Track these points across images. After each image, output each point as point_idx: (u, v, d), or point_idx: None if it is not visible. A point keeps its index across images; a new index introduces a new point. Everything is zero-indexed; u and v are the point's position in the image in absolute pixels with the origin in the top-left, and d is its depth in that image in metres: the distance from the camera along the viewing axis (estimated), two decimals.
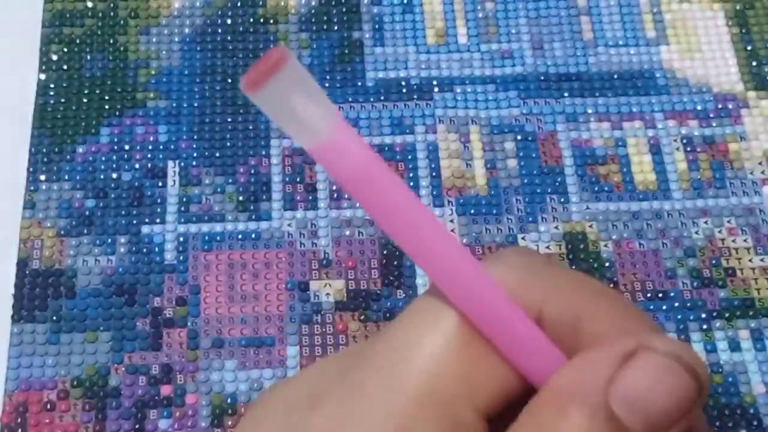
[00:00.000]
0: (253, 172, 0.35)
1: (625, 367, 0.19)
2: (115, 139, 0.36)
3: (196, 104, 0.37)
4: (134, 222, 0.34)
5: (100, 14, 0.39)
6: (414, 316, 0.21)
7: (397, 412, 0.20)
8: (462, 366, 0.20)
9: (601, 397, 0.19)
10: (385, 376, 0.20)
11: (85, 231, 0.34)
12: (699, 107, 0.37)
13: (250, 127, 0.36)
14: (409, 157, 0.36)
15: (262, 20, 0.39)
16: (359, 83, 0.38)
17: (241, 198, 0.35)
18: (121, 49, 0.38)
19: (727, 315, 0.33)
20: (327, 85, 0.37)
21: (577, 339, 0.20)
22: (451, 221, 0.34)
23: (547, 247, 0.34)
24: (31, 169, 0.35)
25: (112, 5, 0.39)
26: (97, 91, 0.37)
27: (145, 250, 0.34)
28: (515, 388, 0.21)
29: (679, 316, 0.33)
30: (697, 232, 0.34)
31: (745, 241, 0.34)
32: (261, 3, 0.40)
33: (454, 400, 0.20)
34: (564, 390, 0.20)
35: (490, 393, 0.21)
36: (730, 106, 0.37)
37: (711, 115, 0.37)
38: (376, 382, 0.20)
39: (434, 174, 0.35)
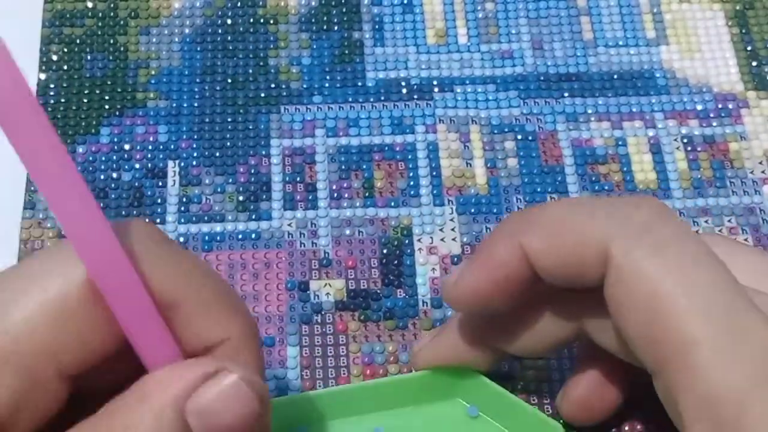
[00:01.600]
0: (253, 172, 0.35)
1: (205, 384, 0.21)
2: (115, 139, 0.36)
3: (196, 104, 0.37)
4: None
5: (100, 14, 0.39)
6: (41, 258, 0.22)
7: None
8: (55, 325, 0.21)
9: (179, 402, 0.21)
10: None
11: None
12: (699, 107, 0.37)
13: (250, 127, 0.36)
14: (410, 156, 0.36)
15: (262, 20, 0.39)
16: (359, 83, 0.38)
17: (241, 198, 0.35)
18: (121, 49, 0.38)
19: None
20: (327, 85, 0.37)
21: (173, 319, 0.22)
22: (452, 220, 0.34)
23: None
24: None
25: (112, 5, 0.39)
26: (97, 91, 0.37)
27: None
28: (110, 354, 0.22)
29: None
30: (697, 231, 0.34)
31: (745, 240, 0.34)
32: (261, 3, 0.40)
33: (38, 357, 0.21)
34: (149, 390, 0.22)
35: (79, 357, 0.22)
36: (730, 106, 0.37)
37: (711, 115, 0.37)
38: None
39: (434, 173, 0.35)
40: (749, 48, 0.39)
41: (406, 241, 0.34)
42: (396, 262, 0.34)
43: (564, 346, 0.28)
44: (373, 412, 0.29)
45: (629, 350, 0.25)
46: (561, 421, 0.29)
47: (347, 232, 0.34)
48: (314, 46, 0.39)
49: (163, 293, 0.22)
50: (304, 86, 0.38)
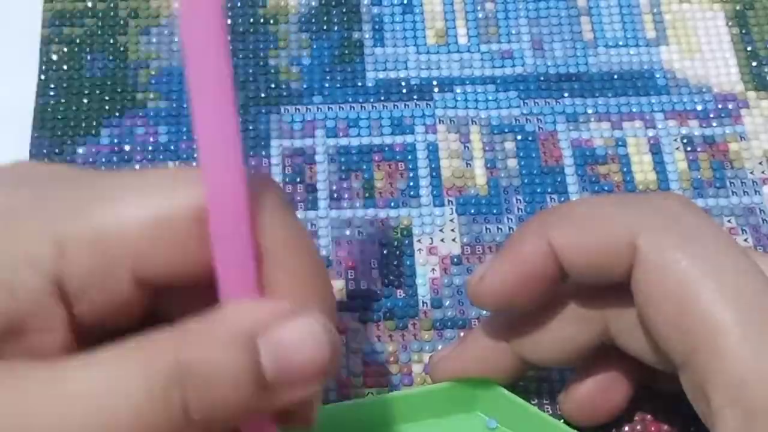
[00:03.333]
0: (253, 172, 0.35)
1: (284, 320, 0.22)
2: (116, 140, 0.36)
3: None
4: None
5: (100, 14, 0.39)
6: (163, 173, 0.23)
7: (61, 231, 0.22)
8: (148, 231, 0.22)
9: (253, 334, 0.21)
10: (75, 202, 0.23)
11: None
12: (699, 107, 0.37)
13: (250, 128, 0.36)
14: (409, 157, 0.36)
15: (262, 20, 0.39)
16: (359, 83, 0.38)
17: None
18: (121, 49, 0.38)
19: None
20: (327, 85, 0.37)
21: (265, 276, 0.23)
22: (452, 221, 0.34)
23: None
24: None
25: (112, 5, 0.39)
26: (97, 92, 0.37)
27: None
28: (188, 280, 0.23)
29: None
30: None
31: (745, 240, 0.34)
32: (261, 3, 0.40)
33: (120, 253, 0.22)
34: (225, 316, 0.22)
35: (159, 269, 0.23)
36: (730, 106, 0.37)
37: (711, 115, 0.37)
38: (64, 200, 0.23)
39: (434, 174, 0.35)
40: (749, 48, 0.39)
41: (406, 242, 0.34)
42: (396, 262, 0.34)
43: (587, 353, 0.27)
44: (392, 425, 0.29)
45: (654, 351, 0.25)
46: (563, 420, 0.29)
47: (347, 232, 0.34)
48: (314, 46, 0.39)
49: (265, 251, 0.23)
50: (304, 86, 0.38)
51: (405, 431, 0.29)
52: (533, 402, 0.31)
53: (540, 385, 0.31)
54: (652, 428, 0.30)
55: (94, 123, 0.37)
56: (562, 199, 0.35)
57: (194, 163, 0.36)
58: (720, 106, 0.37)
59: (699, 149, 0.36)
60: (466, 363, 0.29)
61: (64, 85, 0.37)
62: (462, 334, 0.32)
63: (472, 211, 0.35)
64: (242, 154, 0.21)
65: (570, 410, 0.29)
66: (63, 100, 0.37)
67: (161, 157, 0.36)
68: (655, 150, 0.36)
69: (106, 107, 0.37)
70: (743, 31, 0.39)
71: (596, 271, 0.25)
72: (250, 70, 0.38)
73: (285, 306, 0.22)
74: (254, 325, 0.21)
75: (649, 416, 0.30)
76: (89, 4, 0.39)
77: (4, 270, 0.22)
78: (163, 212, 0.22)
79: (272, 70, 0.38)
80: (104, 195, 0.23)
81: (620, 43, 0.39)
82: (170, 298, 0.24)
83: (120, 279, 0.23)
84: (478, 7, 0.40)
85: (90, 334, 0.23)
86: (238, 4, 0.39)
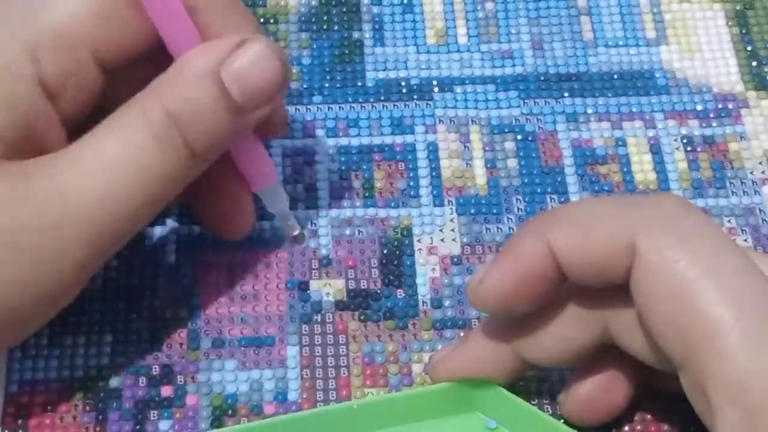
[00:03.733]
0: None
1: (236, 51, 0.27)
2: None
3: None
4: None
5: None
6: None
7: (29, 41, 0.26)
8: (95, 16, 0.26)
9: (215, 69, 0.26)
10: (27, 11, 0.26)
11: None
12: (699, 107, 0.37)
13: None
14: (409, 157, 0.36)
15: (262, 20, 0.39)
16: (359, 83, 0.38)
17: None
18: None
19: None
20: (327, 85, 0.37)
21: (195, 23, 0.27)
22: (452, 221, 0.34)
23: None
24: None
25: None
26: None
27: (145, 251, 0.34)
28: (140, 49, 0.28)
29: None
30: None
31: (745, 240, 0.34)
32: (261, 3, 0.40)
33: (81, 41, 0.26)
34: (186, 62, 0.27)
35: (114, 47, 0.27)
36: (730, 106, 0.37)
37: (711, 115, 0.37)
38: (18, 14, 0.26)
39: (434, 174, 0.35)
40: (749, 48, 0.39)
41: (406, 242, 0.34)
42: (396, 262, 0.34)
43: (588, 353, 0.27)
44: (391, 426, 0.29)
45: (654, 351, 0.25)
46: (563, 420, 0.29)
47: (347, 232, 0.34)
48: (314, 46, 0.39)
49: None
50: (304, 86, 0.38)
51: (405, 431, 0.29)
52: (533, 402, 0.30)
53: (540, 385, 0.31)
54: (652, 428, 0.30)
55: None
56: (562, 199, 0.35)
57: None
58: (720, 106, 0.37)
59: (699, 149, 0.36)
60: (466, 363, 0.29)
61: None
62: (462, 334, 0.32)
63: (472, 211, 0.35)
64: None
65: (570, 410, 0.29)
66: None
67: None
68: (655, 150, 0.36)
69: None
70: (743, 31, 0.39)
71: (596, 273, 0.25)
72: None
73: (234, 39, 0.27)
74: (213, 60, 0.26)
75: (649, 416, 0.30)
76: None
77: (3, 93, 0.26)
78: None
79: None
80: None
81: (620, 43, 0.39)
82: (125, 80, 0.28)
83: (88, 68, 0.27)
84: (478, 7, 0.40)
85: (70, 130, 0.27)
86: None
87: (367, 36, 0.39)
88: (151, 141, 0.26)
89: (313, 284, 0.33)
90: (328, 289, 0.33)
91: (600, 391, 0.28)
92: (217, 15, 0.28)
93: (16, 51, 0.26)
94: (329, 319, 0.32)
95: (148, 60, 0.28)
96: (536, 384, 0.31)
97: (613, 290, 0.25)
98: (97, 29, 0.26)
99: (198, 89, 0.26)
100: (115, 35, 0.27)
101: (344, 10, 0.39)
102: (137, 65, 0.28)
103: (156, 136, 0.26)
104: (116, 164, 0.26)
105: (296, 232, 0.33)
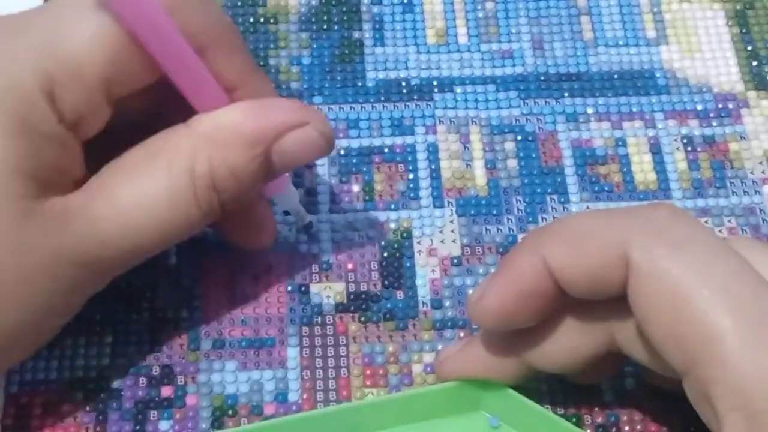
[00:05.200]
0: None
1: (292, 133, 0.28)
2: None
3: None
4: None
5: None
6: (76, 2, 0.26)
7: (47, 76, 0.26)
8: (108, 53, 0.26)
9: (267, 144, 0.27)
10: (42, 48, 0.26)
11: None
12: (699, 107, 0.37)
13: None
14: (410, 158, 0.36)
15: (262, 20, 0.39)
16: (359, 83, 0.38)
17: None
18: None
19: None
20: (327, 85, 0.37)
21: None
22: (452, 222, 0.34)
23: None
24: None
25: None
26: None
27: None
28: (148, 82, 0.27)
29: None
30: None
31: None
32: (261, 2, 0.40)
33: (95, 80, 0.26)
34: (241, 127, 0.27)
35: (126, 85, 0.27)
36: (730, 106, 0.37)
37: (711, 115, 0.37)
38: (35, 47, 0.26)
39: (434, 175, 0.35)
40: (749, 48, 0.39)
41: (406, 244, 0.34)
42: (396, 264, 0.34)
43: (594, 360, 0.27)
44: (396, 425, 0.29)
45: (659, 360, 0.24)
46: (574, 421, 0.29)
47: (347, 235, 0.34)
48: (314, 46, 0.39)
49: (196, 37, 0.27)
50: (304, 86, 0.38)
51: (409, 431, 0.29)
52: (542, 403, 0.30)
53: (540, 385, 0.31)
54: (652, 428, 0.30)
55: None
56: (562, 199, 0.35)
57: None
58: (720, 106, 0.37)
59: (699, 149, 0.36)
60: (472, 364, 0.29)
61: None
62: (462, 334, 0.32)
63: (472, 212, 0.35)
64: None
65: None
66: None
67: None
68: (655, 150, 0.36)
69: None
70: (743, 31, 0.39)
71: (592, 287, 0.25)
72: None
73: (293, 114, 0.28)
74: (269, 135, 0.27)
75: (649, 416, 0.31)
76: None
77: (32, 134, 0.26)
78: (112, 32, 0.26)
79: (272, 70, 0.38)
80: (58, 31, 0.26)
81: (620, 42, 0.39)
82: (127, 105, 0.28)
83: (100, 101, 0.27)
84: (479, 7, 0.40)
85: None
86: (238, 4, 0.39)
87: (367, 36, 0.39)
88: (191, 199, 0.27)
89: (314, 287, 0.33)
90: (328, 292, 0.33)
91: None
92: (227, 53, 0.28)
93: (36, 89, 0.26)
94: (329, 321, 0.32)
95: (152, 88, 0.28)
96: (536, 384, 0.31)
97: (618, 300, 0.25)
98: (110, 64, 0.26)
99: (246, 160, 0.27)
100: (126, 73, 0.27)
101: (344, 10, 0.39)
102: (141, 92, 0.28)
103: (196, 195, 0.27)
104: (152, 211, 0.27)
105: (308, 220, 0.33)
